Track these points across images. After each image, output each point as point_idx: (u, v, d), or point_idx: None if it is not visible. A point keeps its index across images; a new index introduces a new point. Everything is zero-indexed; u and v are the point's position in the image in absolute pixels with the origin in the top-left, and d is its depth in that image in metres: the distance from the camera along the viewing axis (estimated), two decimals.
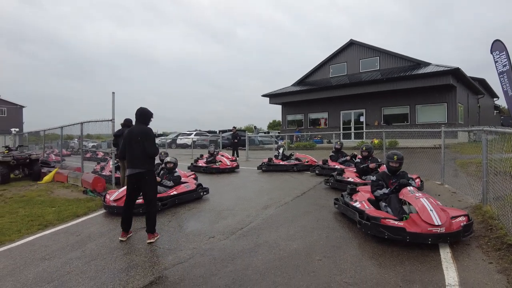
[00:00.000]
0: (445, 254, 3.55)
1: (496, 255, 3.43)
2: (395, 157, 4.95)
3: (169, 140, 27.99)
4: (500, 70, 6.49)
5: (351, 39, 23.76)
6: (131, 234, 4.61)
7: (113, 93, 8.08)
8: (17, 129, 18.51)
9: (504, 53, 6.43)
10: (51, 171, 10.56)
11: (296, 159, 11.37)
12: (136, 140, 4.41)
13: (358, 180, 7.03)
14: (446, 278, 3.02)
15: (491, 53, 6.72)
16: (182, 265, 3.57)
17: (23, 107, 41.17)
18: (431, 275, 3.09)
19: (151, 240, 4.34)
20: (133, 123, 6.85)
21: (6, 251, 4.29)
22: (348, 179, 7.17)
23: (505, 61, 6.48)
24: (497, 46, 6.59)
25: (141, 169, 4.40)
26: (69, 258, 3.95)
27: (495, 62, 6.64)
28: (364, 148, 7.48)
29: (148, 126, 4.66)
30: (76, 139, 22.05)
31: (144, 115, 4.62)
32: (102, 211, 6.06)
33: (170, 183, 6.57)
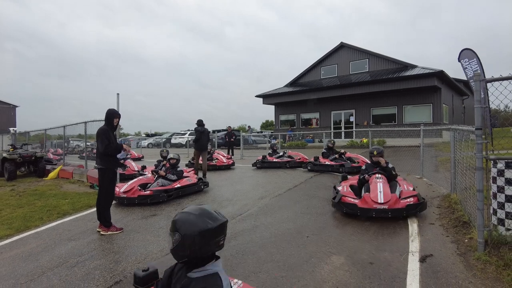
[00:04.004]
0: (413, 231, 4.25)
1: (453, 230, 4.15)
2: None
3: (164, 140, 28.48)
4: (470, 76, 7.20)
5: (341, 42, 24.57)
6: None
7: (118, 94, 8.63)
8: (15, 128, 18.83)
9: (474, 59, 7.14)
10: (54, 169, 11.07)
11: (289, 156, 12.04)
12: (96, 139, 4.87)
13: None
14: (410, 247, 3.72)
15: (459, 61, 7.37)
16: None
17: (16, 106, 41.15)
18: (398, 246, 3.79)
19: (103, 232, 4.70)
20: (203, 122, 7.72)
21: (34, 234, 4.88)
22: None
23: (476, 67, 7.22)
24: (466, 54, 7.23)
25: (99, 166, 4.85)
26: (92, 239, 4.56)
27: (464, 68, 7.32)
28: (375, 153, 5.63)
29: (109, 126, 4.92)
30: (69, 139, 22.35)
31: (106, 115, 4.99)
32: (112, 202, 6.64)
33: (174, 177, 7.17)
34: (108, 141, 4.80)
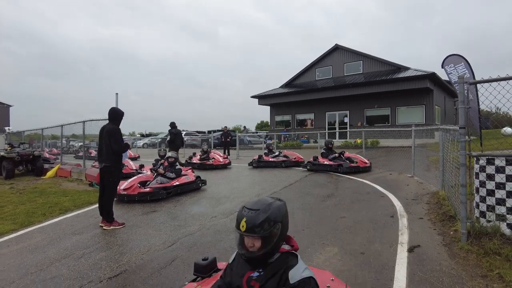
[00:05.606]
0: (402, 225, 4.49)
1: (440, 224, 4.40)
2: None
3: (159, 140, 28.55)
4: (454, 80, 7.42)
5: (336, 44, 24.90)
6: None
7: (117, 94, 8.79)
8: (10, 128, 18.81)
9: (461, 63, 7.39)
10: (52, 167, 11.17)
11: (284, 156, 12.26)
12: (104, 137, 4.95)
13: None
14: (400, 239, 3.95)
15: (443, 67, 7.56)
16: (192, 236, 4.40)
17: (10, 106, 40.84)
18: (388, 238, 4.02)
19: (105, 227, 4.87)
20: (176, 125, 7.89)
21: (39, 229, 5.03)
22: None
23: (464, 71, 7.44)
24: (451, 60, 7.41)
25: (106, 164, 4.96)
26: (95, 233, 4.73)
27: (449, 74, 7.52)
28: (242, 226, 1.64)
29: (117, 125, 5.09)
30: (69, 138, 22.35)
31: (112, 114, 5.11)
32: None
33: (172, 175, 7.35)
34: (123, 140, 5.00)
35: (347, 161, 10.05)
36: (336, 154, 10.50)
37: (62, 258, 3.80)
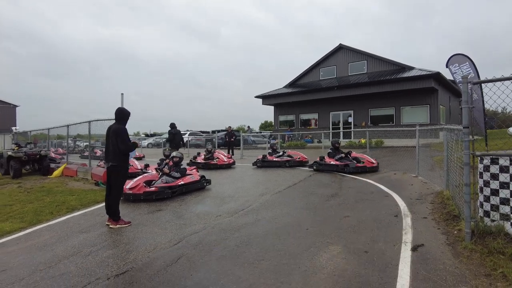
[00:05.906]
0: (406, 224, 4.51)
1: (444, 223, 4.41)
2: None
3: (164, 140, 28.67)
4: (459, 80, 7.38)
5: (340, 44, 24.87)
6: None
7: (122, 94, 8.87)
8: (17, 128, 19.01)
9: (466, 63, 7.36)
10: (58, 167, 11.30)
11: (288, 156, 12.29)
12: (111, 137, 5.02)
13: None
14: (403, 238, 3.97)
15: (447, 66, 7.50)
16: (197, 234, 4.45)
17: (17, 106, 41.28)
18: (392, 237, 4.04)
19: (112, 226, 4.94)
20: (175, 125, 7.98)
21: (47, 227, 5.12)
22: None
23: (468, 70, 7.42)
24: (456, 59, 7.37)
25: (112, 163, 5.01)
26: (102, 232, 4.80)
27: (453, 73, 7.47)
28: None
29: (124, 124, 5.16)
30: (76, 138, 22.57)
31: (119, 114, 5.19)
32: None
33: (177, 175, 7.42)
34: (129, 140, 5.07)
35: (354, 161, 9.97)
36: (343, 154, 10.43)
37: (70, 255, 3.87)
